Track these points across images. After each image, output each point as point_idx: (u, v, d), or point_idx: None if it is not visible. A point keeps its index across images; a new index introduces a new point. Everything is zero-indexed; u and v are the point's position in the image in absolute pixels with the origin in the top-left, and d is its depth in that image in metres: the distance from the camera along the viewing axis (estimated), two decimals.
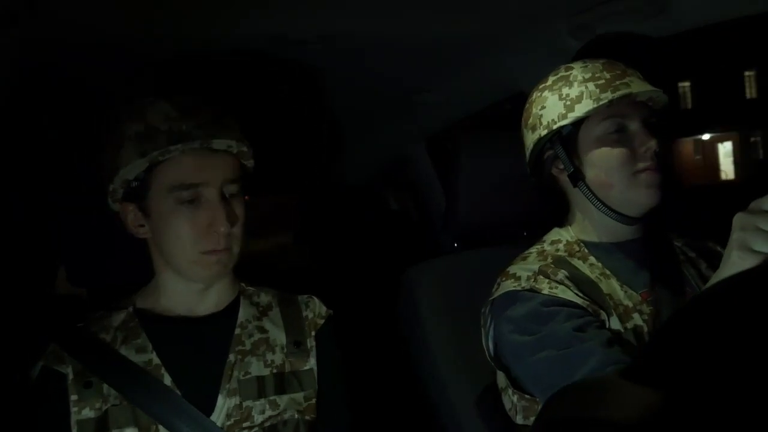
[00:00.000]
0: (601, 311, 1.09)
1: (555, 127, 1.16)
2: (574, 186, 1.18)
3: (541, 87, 1.21)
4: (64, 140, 1.67)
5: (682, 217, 1.42)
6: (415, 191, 2.29)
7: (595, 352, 1.00)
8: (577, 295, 1.09)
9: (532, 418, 1.14)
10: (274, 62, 1.47)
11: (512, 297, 1.13)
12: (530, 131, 1.22)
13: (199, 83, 1.51)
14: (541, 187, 1.26)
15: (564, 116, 1.15)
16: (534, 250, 1.23)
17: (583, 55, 1.33)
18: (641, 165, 1.12)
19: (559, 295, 1.09)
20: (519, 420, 1.16)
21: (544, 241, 1.24)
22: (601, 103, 1.11)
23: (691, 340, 0.39)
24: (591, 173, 1.16)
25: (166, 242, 1.06)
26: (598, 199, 1.15)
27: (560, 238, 1.23)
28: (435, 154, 2.11)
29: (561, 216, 1.27)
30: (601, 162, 1.15)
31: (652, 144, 1.11)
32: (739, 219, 0.85)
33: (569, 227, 1.24)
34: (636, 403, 0.38)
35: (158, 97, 1.06)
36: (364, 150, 2.20)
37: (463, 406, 1.27)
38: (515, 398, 1.16)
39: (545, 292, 1.09)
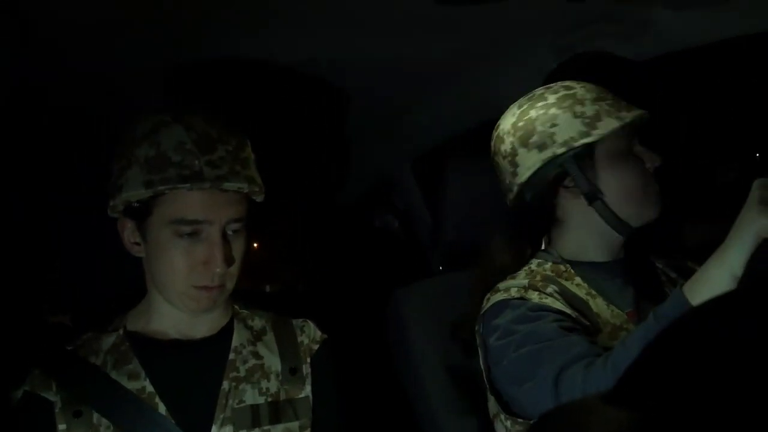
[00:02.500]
0: (590, 325, 1.09)
1: (577, 144, 1.14)
2: (590, 204, 1.17)
3: (536, 105, 1.19)
4: (64, 146, 1.66)
5: (665, 237, 1.43)
6: (401, 212, 2.29)
7: (578, 343, 1.01)
8: (566, 305, 1.10)
9: None
10: (261, 83, 1.48)
11: (502, 305, 1.14)
12: (536, 150, 1.17)
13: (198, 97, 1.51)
14: (527, 209, 1.23)
15: (587, 134, 1.14)
16: (522, 271, 1.22)
17: (557, 76, 1.35)
18: (652, 183, 1.18)
19: (549, 304, 1.09)
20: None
21: (531, 263, 1.24)
22: (625, 121, 1.13)
23: (670, 364, 0.39)
24: (610, 190, 1.17)
25: (159, 270, 1.03)
26: (612, 213, 1.16)
27: (546, 259, 1.23)
28: (421, 175, 2.11)
29: (539, 239, 1.27)
30: (622, 179, 1.17)
31: (658, 160, 1.17)
32: (759, 181, 0.89)
33: (553, 250, 1.24)
34: (614, 426, 0.37)
35: (176, 116, 1.01)
36: (350, 170, 2.20)
37: (452, 426, 1.26)
38: (509, 423, 1.14)
39: (535, 300, 1.10)
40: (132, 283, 1.15)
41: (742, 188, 0.91)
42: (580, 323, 1.08)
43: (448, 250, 1.48)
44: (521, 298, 1.11)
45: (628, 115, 1.14)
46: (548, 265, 1.21)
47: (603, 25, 1.31)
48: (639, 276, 1.21)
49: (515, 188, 1.21)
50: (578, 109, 1.16)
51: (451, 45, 1.36)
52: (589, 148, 1.16)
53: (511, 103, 1.25)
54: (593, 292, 1.16)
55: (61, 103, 1.41)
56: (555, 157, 1.16)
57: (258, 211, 1.14)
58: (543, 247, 1.27)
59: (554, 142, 1.16)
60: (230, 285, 1.06)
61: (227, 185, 0.99)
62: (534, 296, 1.11)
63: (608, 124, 1.13)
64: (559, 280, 1.17)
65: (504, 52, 1.41)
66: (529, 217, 1.26)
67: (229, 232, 1.03)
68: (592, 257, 1.20)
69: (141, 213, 1.02)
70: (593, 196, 1.17)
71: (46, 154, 1.66)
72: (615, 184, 1.17)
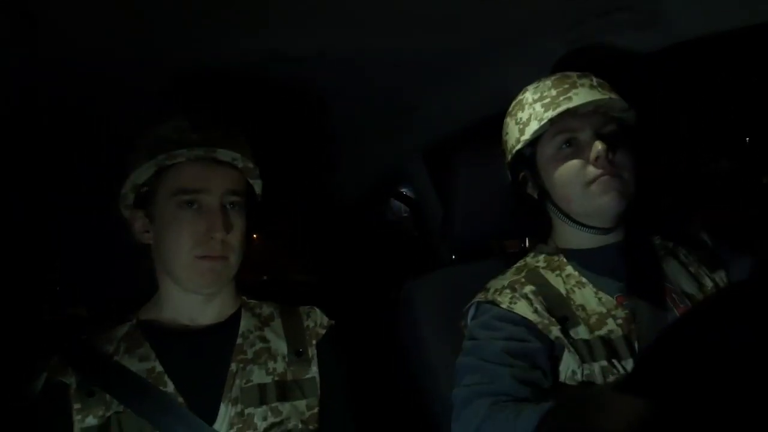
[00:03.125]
0: (555, 328, 1.10)
1: (514, 151, 1.22)
2: (542, 205, 1.24)
3: (507, 113, 1.27)
4: (65, 146, 1.67)
5: (667, 219, 1.42)
6: (412, 204, 2.29)
7: (504, 378, 1.04)
8: (535, 311, 1.12)
9: None
10: (272, 78, 1.48)
11: (474, 307, 1.20)
12: (504, 157, 1.28)
13: (201, 99, 1.52)
14: (524, 206, 1.30)
15: (518, 140, 1.20)
16: (516, 265, 1.27)
17: (562, 65, 1.35)
18: (593, 173, 1.13)
19: (515, 310, 1.12)
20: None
21: (528, 255, 1.29)
22: (542, 123, 1.15)
23: (680, 353, 0.39)
24: (552, 190, 1.20)
25: (165, 245, 1.09)
26: (565, 214, 1.20)
27: (542, 251, 1.27)
28: (432, 167, 2.12)
29: (545, 230, 1.30)
30: (557, 177, 1.18)
31: (601, 150, 1.11)
32: None
33: (550, 240, 1.28)
34: (627, 415, 0.38)
35: (177, 113, 1.12)
36: (362, 164, 2.21)
37: None
38: None
39: (504, 306, 1.14)
40: (133, 280, 1.19)
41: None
42: (542, 326, 1.10)
43: (458, 242, 1.49)
44: (492, 302, 1.16)
45: (549, 115, 1.14)
46: (542, 257, 1.25)
47: (613, 16, 1.31)
48: (634, 257, 1.21)
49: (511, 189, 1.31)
50: (519, 115, 1.21)
51: (460, 38, 1.36)
52: (532, 151, 1.21)
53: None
54: (583, 281, 1.17)
55: (61, 103, 1.43)
56: (508, 164, 1.26)
57: (264, 206, 1.20)
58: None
59: (507, 150, 1.26)
60: (233, 259, 1.11)
61: (220, 152, 1.08)
62: (505, 299, 1.14)
63: (531, 128, 1.17)
64: (546, 273, 1.20)
65: (513, 45, 1.41)
66: (522, 214, 1.33)
67: (227, 205, 1.10)
68: (583, 245, 1.22)
69: (148, 198, 1.11)
70: (542, 198, 1.23)
71: (46, 154, 1.68)
72: (553, 186, 1.19)
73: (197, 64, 1.34)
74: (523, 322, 1.11)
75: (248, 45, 1.29)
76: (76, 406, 1.04)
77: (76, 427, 1.03)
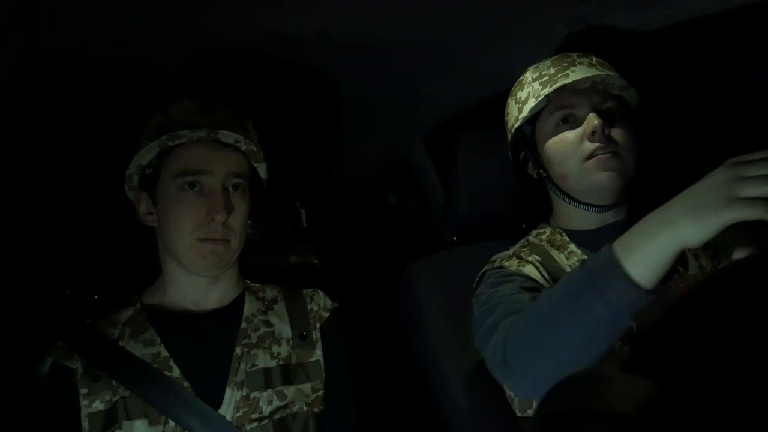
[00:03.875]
0: None
1: (513, 130, 1.22)
2: (542, 183, 1.24)
3: (509, 94, 1.27)
4: (68, 142, 1.68)
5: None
6: (414, 186, 2.29)
7: (502, 301, 1.02)
8: (542, 277, 1.11)
9: (530, 411, 1.15)
10: (273, 60, 1.47)
11: (483, 276, 1.18)
12: (506, 136, 1.29)
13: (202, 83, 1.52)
14: (525, 186, 1.31)
15: (517, 119, 1.21)
16: (519, 242, 1.27)
17: (567, 46, 1.35)
18: (589, 148, 1.11)
19: (523, 271, 1.11)
20: (518, 413, 1.18)
21: (530, 234, 1.29)
22: (539, 100, 1.14)
23: (685, 332, 0.40)
24: (550, 168, 1.19)
25: (168, 227, 1.09)
26: (564, 193, 1.19)
27: (544, 230, 1.26)
28: (434, 149, 2.12)
29: (547, 210, 1.30)
30: (554, 154, 1.17)
31: (596, 125, 1.09)
32: (732, 161, 0.77)
33: (552, 219, 1.28)
34: (633, 395, 0.39)
35: (181, 96, 1.13)
36: (364, 146, 2.20)
37: (465, 399, 1.28)
38: (512, 392, 1.18)
39: (512, 268, 1.12)
40: (136, 284, 1.19)
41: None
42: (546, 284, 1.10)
43: (460, 223, 1.49)
44: (500, 267, 1.15)
45: (546, 91, 1.14)
46: (545, 235, 1.24)
47: None
48: None
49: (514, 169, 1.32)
50: (518, 94, 1.22)
51: (462, 19, 1.35)
52: (532, 130, 1.22)
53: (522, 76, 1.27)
54: (585, 259, 1.17)
55: (65, 88, 1.43)
56: (509, 144, 1.26)
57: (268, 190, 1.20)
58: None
59: (507, 129, 1.27)
60: (234, 242, 1.11)
61: (223, 134, 1.08)
62: (513, 264, 1.14)
63: (529, 106, 1.17)
64: (550, 249, 1.19)
65: (515, 25, 1.40)
66: (524, 195, 1.34)
67: (230, 188, 1.10)
68: (584, 226, 1.21)
69: (152, 179, 1.11)
70: (540, 177, 1.23)
71: (53, 139, 1.68)
72: (551, 163, 1.19)
73: (198, 46, 1.34)
74: (529, 278, 1.10)
75: (249, 27, 1.28)
76: (83, 390, 1.05)
77: (83, 411, 1.03)
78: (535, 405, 1.14)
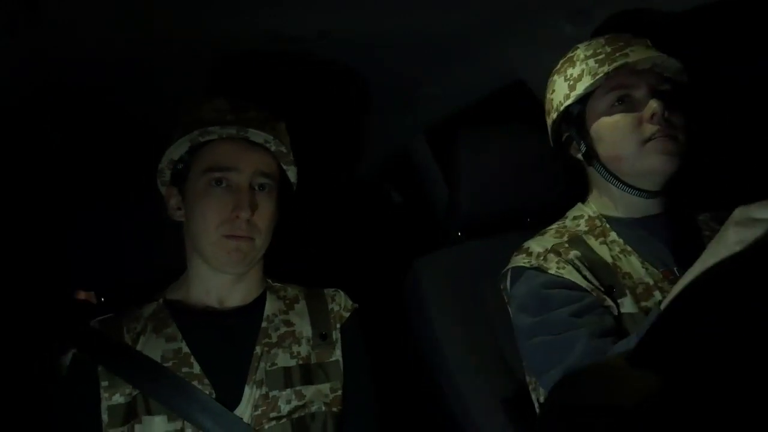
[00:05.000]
0: (607, 298, 1.08)
1: (562, 108, 1.18)
2: (589, 165, 1.20)
3: (553, 71, 1.23)
4: (68, 142, 1.68)
5: (708, 189, 1.39)
6: (417, 183, 2.29)
7: (580, 340, 1.01)
8: (584, 278, 1.09)
9: None
10: (272, 60, 1.47)
11: (518, 273, 1.16)
12: (548, 116, 1.25)
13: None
14: (566, 167, 1.28)
15: (568, 96, 1.17)
16: (554, 226, 1.24)
17: (596, 34, 1.33)
18: (649, 131, 1.10)
19: (565, 276, 1.09)
20: (542, 398, 1.18)
21: (566, 217, 1.25)
22: (597, 77, 1.12)
23: (691, 324, 0.39)
24: (601, 149, 1.16)
25: (194, 222, 1.10)
26: (613, 175, 1.16)
27: (582, 213, 1.23)
28: (436, 146, 2.11)
29: (584, 192, 1.27)
30: (608, 135, 1.14)
31: (657, 107, 1.08)
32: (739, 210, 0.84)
33: (591, 203, 1.24)
34: (639, 388, 0.38)
35: (220, 95, 1.15)
36: (366, 145, 2.20)
37: (473, 395, 1.28)
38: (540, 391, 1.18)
39: (552, 271, 1.10)
40: (145, 264, 1.20)
41: None
42: (596, 295, 1.07)
43: (464, 220, 1.49)
44: (538, 268, 1.12)
45: (604, 69, 1.11)
46: (583, 221, 1.21)
47: None
48: (679, 232, 1.18)
49: (553, 149, 1.28)
50: (569, 71, 1.18)
51: (463, 16, 1.35)
52: (582, 108, 1.17)
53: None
54: (628, 249, 1.15)
55: (73, 96, 1.43)
56: (554, 122, 1.21)
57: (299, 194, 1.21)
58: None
59: (553, 108, 1.21)
60: (259, 241, 1.12)
61: (252, 132, 1.10)
62: (552, 265, 1.11)
63: (584, 83, 1.14)
64: (588, 239, 1.16)
65: (515, 24, 1.40)
66: (566, 175, 1.31)
67: (257, 187, 1.11)
68: (625, 213, 1.19)
69: (183, 174, 1.13)
70: (588, 158, 1.18)
71: (57, 139, 1.68)
72: (603, 144, 1.16)
73: (198, 46, 1.33)
74: (574, 286, 1.08)
75: (249, 26, 1.28)
76: (104, 383, 1.05)
77: (103, 404, 1.03)
78: None
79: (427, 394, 1.40)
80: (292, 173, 1.21)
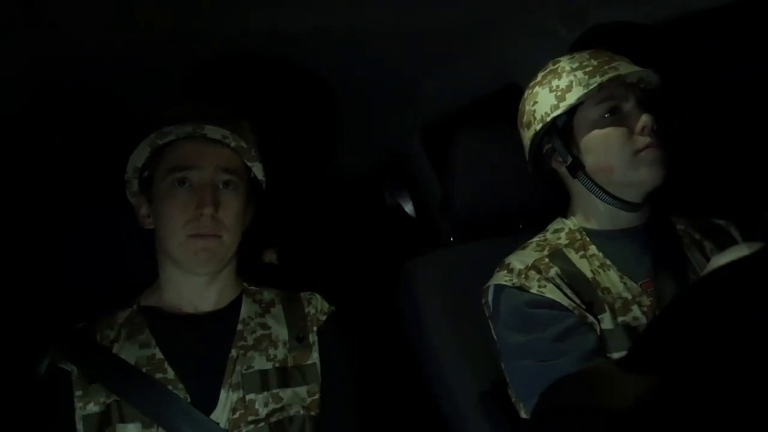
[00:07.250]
0: (588, 315, 1.08)
1: (549, 119, 1.17)
2: (574, 177, 1.19)
3: (531, 84, 1.23)
4: (68, 142, 1.68)
5: (687, 199, 1.40)
6: (411, 184, 2.29)
7: (566, 369, 1.02)
8: (565, 295, 1.10)
9: None
10: (270, 57, 1.47)
11: (500, 290, 1.16)
12: (526, 129, 1.23)
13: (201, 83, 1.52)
14: (543, 182, 1.28)
15: (556, 107, 1.16)
16: (535, 239, 1.24)
17: (574, 48, 1.34)
18: (641, 143, 1.12)
19: (546, 294, 1.10)
20: (522, 414, 1.17)
21: (547, 230, 1.25)
22: (591, 87, 1.12)
23: (682, 329, 0.40)
24: (590, 160, 1.16)
25: (161, 225, 1.09)
26: (599, 187, 1.16)
27: (563, 226, 1.24)
28: (431, 147, 2.11)
29: (565, 206, 1.28)
30: (600, 146, 1.15)
31: (647, 120, 1.11)
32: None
33: (572, 216, 1.24)
34: (630, 391, 0.39)
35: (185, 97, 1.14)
36: (361, 143, 2.20)
37: (465, 398, 1.27)
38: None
39: (533, 290, 1.11)
40: (134, 285, 1.19)
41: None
42: (578, 313, 1.09)
43: (458, 222, 1.49)
44: (520, 287, 1.13)
45: (597, 80, 1.12)
46: (564, 234, 1.22)
47: None
48: (659, 242, 1.19)
49: (529, 163, 1.27)
50: (554, 83, 1.18)
51: (459, 15, 1.35)
52: (568, 120, 1.18)
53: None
54: (607, 263, 1.15)
55: (73, 96, 1.43)
56: (536, 134, 1.20)
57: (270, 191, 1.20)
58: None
59: (535, 119, 1.20)
60: (227, 239, 1.10)
61: (209, 128, 1.08)
62: (533, 283, 1.11)
63: (575, 94, 1.14)
64: (568, 252, 1.17)
65: (511, 24, 1.40)
66: (544, 189, 1.31)
67: (220, 185, 1.10)
68: (606, 226, 1.20)
69: (149, 181, 1.12)
70: (574, 169, 1.18)
71: (53, 144, 1.68)
72: (592, 155, 1.16)
73: (197, 45, 1.34)
74: (556, 305, 1.09)
75: (247, 25, 1.28)
76: (78, 393, 1.04)
77: (78, 414, 1.02)
78: None
79: (420, 395, 1.40)
80: (257, 170, 1.17)
